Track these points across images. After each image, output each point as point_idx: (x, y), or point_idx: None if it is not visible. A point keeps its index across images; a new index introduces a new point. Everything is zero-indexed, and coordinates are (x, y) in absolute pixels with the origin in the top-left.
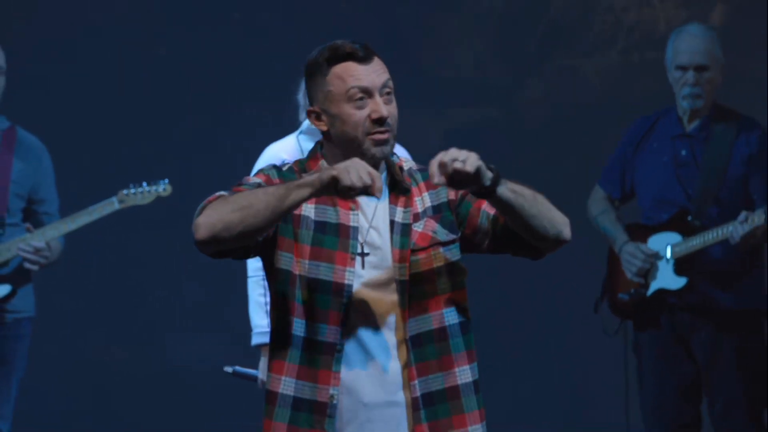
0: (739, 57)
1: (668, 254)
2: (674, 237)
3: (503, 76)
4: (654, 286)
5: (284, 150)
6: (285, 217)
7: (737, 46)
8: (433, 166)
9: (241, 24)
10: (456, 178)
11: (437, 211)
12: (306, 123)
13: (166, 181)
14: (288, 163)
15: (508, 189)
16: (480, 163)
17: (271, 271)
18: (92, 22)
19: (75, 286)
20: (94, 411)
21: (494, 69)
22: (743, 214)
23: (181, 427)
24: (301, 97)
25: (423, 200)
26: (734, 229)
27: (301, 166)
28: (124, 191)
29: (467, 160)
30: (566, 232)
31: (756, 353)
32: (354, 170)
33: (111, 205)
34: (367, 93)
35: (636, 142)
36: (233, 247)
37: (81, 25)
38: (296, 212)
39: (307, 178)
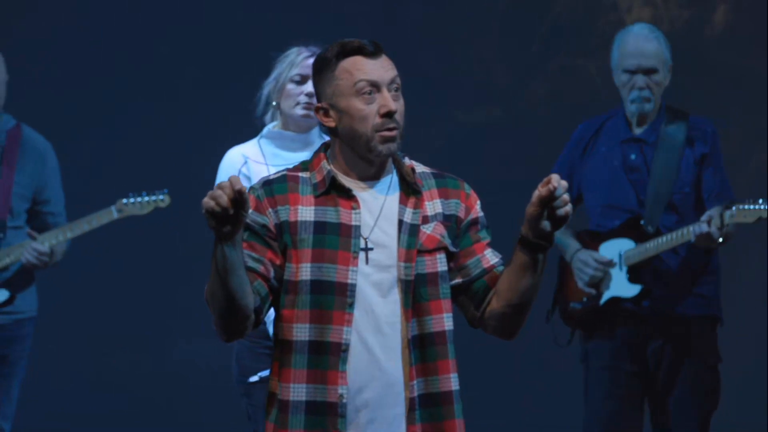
0: (742, 56)
1: (622, 262)
2: (627, 243)
3: (506, 76)
4: (607, 294)
5: (245, 154)
6: (239, 275)
7: (740, 45)
8: (557, 176)
9: (244, 27)
10: (554, 204)
11: (447, 220)
12: (267, 127)
13: (166, 191)
14: (282, 171)
15: (543, 258)
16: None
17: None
18: (98, 27)
19: (77, 287)
20: (95, 412)
21: (497, 69)
22: (706, 214)
23: (183, 430)
24: (264, 95)
25: (434, 205)
26: (694, 229)
27: (304, 167)
28: (123, 201)
29: (569, 207)
30: (516, 335)
31: (710, 360)
32: (208, 195)
33: (109, 215)
34: (376, 87)
35: (583, 146)
36: (246, 323)
37: (87, 28)
38: (292, 219)
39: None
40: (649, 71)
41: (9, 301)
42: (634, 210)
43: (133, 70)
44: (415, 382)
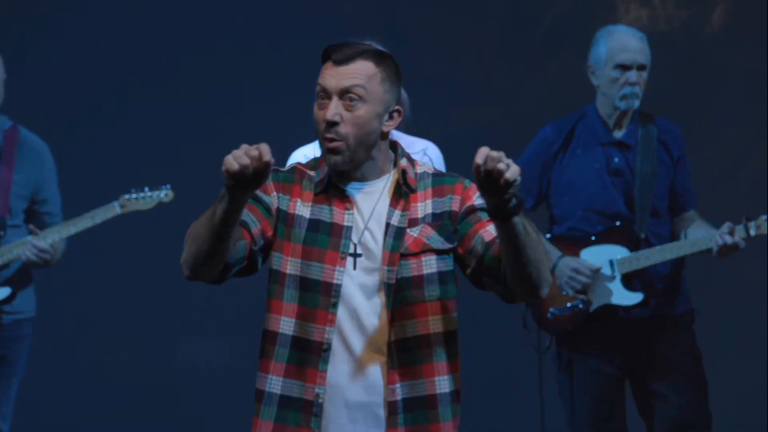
0: (740, 56)
1: (615, 269)
2: (616, 250)
3: (506, 75)
4: (601, 302)
5: (306, 154)
6: (228, 232)
7: (738, 45)
8: (484, 150)
9: (246, 26)
10: (493, 176)
11: (437, 219)
12: None
13: (168, 186)
14: (293, 164)
15: (521, 222)
16: (519, 178)
17: (269, 273)
18: (100, 24)
19: (76, 287)
20: (95, 412)
21: (497, 69)
22: (726, 225)
23: (182, 429)
24: None
25: (425, 206)
26: (716, 239)
27: (314, 164)
28: (126, 196)
29: (511, 167)
30: (545, 290)
31: (697, 354)
32: (234, 155)
33: (113, 210)
34: (326, 94)
35: (556, 148)
36: (214, 271)
37: (87, 26)
38: (290, 211)
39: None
40: (641, 67)
41: (11, 298)
42: (620, 214)
43: (134, 66)
44: (397, 385)
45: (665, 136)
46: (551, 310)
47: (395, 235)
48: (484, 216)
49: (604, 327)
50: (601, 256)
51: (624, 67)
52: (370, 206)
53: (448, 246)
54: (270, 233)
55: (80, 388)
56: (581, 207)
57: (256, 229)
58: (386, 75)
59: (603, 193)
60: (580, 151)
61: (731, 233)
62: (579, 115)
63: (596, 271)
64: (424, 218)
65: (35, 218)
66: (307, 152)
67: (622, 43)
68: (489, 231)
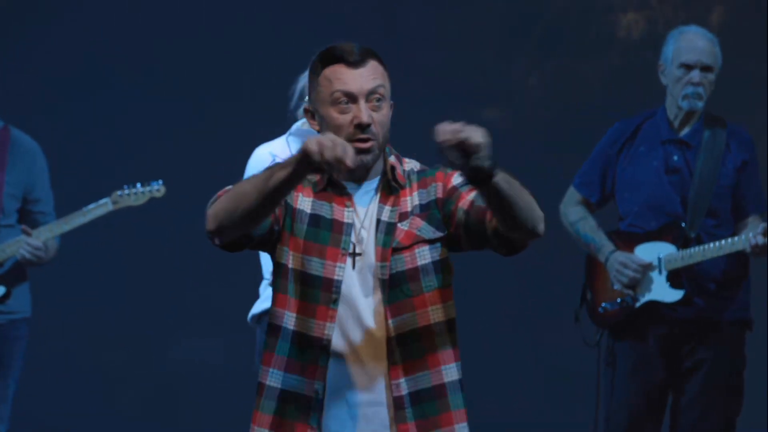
0: (738, 57)
1: (662, 266)
2: (665, 247)
3: (502, 76)
4: (646, 297)
5: (273, 151)
6: (275, 200)
7: (737, 46)
8: (440, 128)
9: (240, 24)
10: (461, 147)
11: (425, 209)
12: (296, 125)
13: (160, 182)
14: None
15: (503, 177)
16: (487, 139)
17: (274, 266)
18: (88, 22)
19: (72, 286)
20: (92, 412)
21: (493, 69)
22: (761, 227)
23: (180, 428)
24: (299, 89)
25: (412, 199)
26: (750, 239)
27: None
28: (118, 192)
29: (474, 131)
30: (541, 227)
31: (740, 365)
32: (320, 144)
33: (105, 207)
34: (351, 98)
35: (620, 144)
36: (237, 234)
37: (76, 24)
38: (294, 205)
39: (290, 157)
40: (706, 68)
41: (5, 297)
42: (675, 212)
43: (125, 63)
44: (402, 380)
45: (733, 139)
46: (603, 304)
47: (386, 230)
48: (463, 189)
49: (649, 324)
50: (653, 252)
51: (688, 67)
52: (365, 205)
53: (439, 234)
54: (280, 215)
55: (77, 387)
56: (639, 203)
57: (280, 210)
58: (387, 71)
59: (659, 190)
60: (643, 148)
61: (764, 234)
62: (648, 114)
63: (645, 267)
64: (412, 211)
65: (28, 218)
66: (272, 149)
67: (688, 43)
68: (466, 200)
